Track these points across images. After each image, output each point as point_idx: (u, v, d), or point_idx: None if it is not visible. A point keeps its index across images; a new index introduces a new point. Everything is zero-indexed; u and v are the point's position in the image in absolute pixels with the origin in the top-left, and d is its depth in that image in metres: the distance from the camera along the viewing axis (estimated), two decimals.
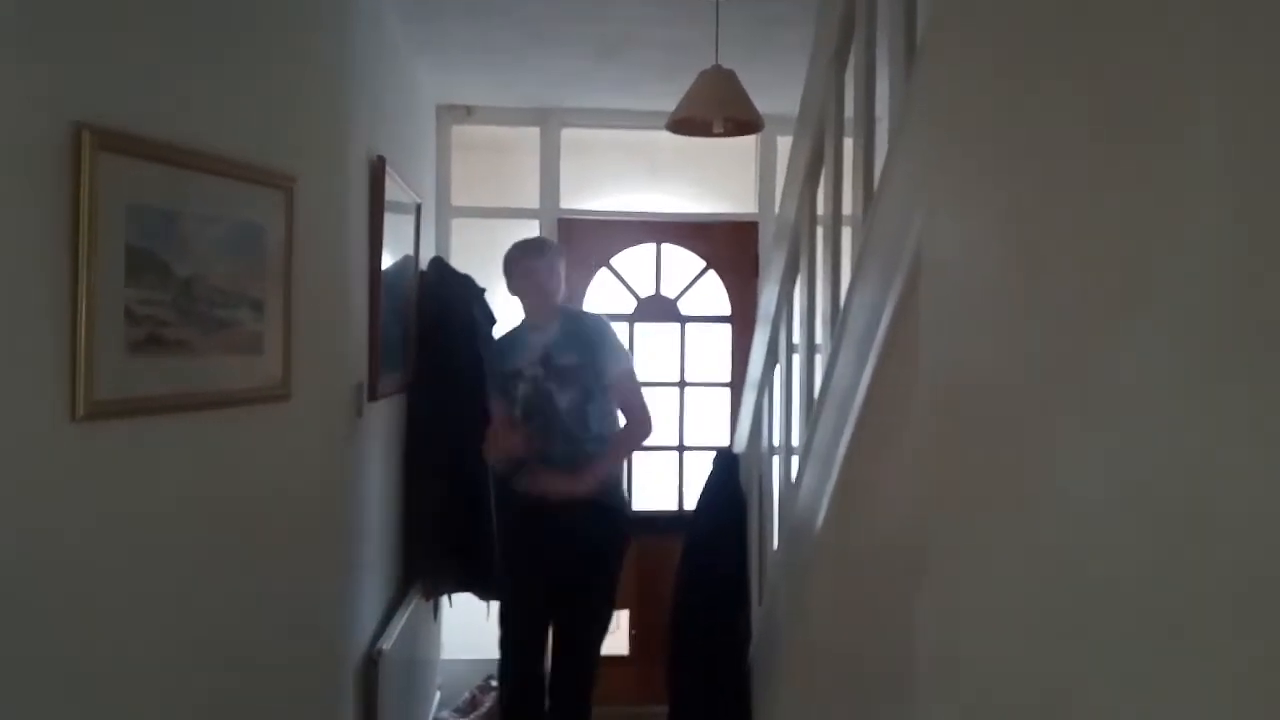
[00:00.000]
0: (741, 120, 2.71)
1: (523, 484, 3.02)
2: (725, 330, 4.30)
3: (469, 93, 4.05)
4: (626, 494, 3.20)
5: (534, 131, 4.19)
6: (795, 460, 2.24)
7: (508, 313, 3.97)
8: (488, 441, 3.05)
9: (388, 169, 2.67)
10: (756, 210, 4.27)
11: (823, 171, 1.94)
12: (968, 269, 1.11)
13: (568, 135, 4.20)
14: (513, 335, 3.22)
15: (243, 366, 2.03)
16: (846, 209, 1.91)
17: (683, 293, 4.27)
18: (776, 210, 4.30)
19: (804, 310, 2.08)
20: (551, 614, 3.09)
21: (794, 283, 2.27)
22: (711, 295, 4.31)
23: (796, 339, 2.25)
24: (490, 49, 3.44)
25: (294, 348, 2.15)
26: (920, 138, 1.43)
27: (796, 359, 2.26)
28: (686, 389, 4.25)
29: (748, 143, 4.30)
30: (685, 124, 2.80)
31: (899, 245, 1.48)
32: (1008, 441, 0.96)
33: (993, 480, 0.98)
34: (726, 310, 4.29)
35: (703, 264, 4.29)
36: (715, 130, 2.73)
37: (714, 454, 2.89)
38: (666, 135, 4.47)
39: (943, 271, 1.18)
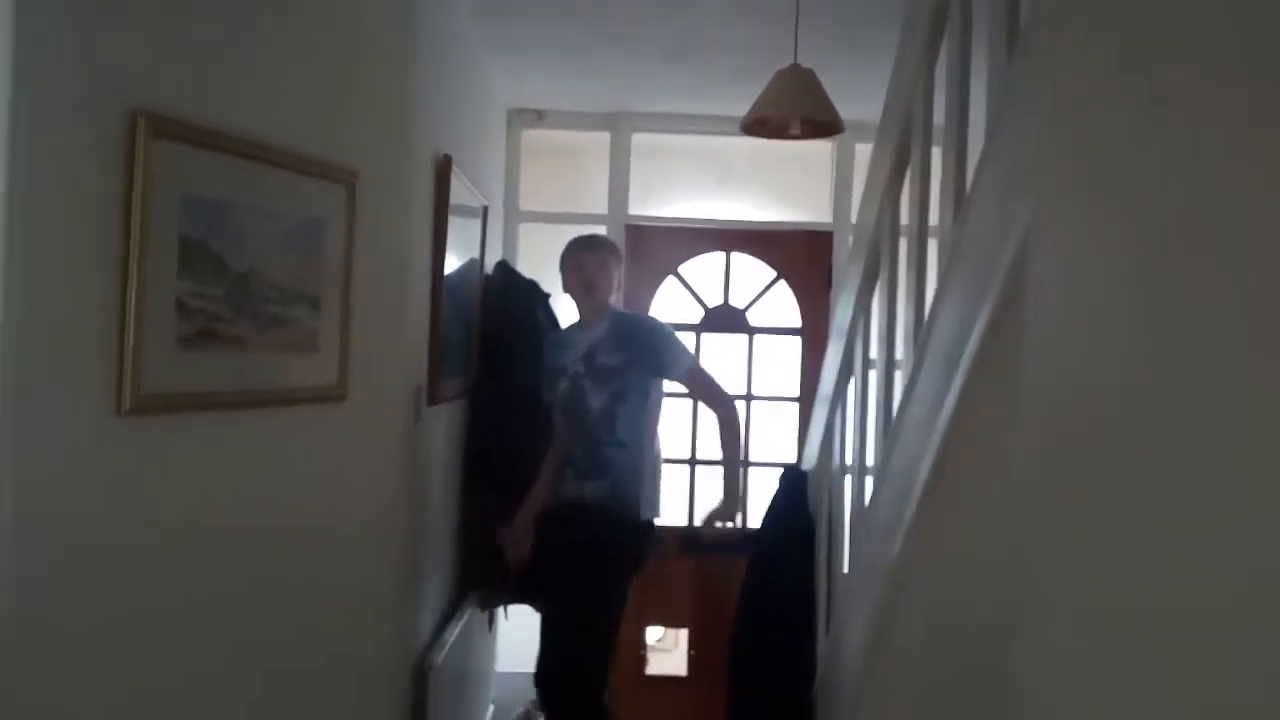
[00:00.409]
0: (820, 122, 2.58)
1: (562, 485, 2.93)
2: (795, 343, 4.16)
3: (540, 96, 4.00)
4: (640, 503, 2.92)
5: (604, 136, 4.11)
6: (869, 480, 2.11)
7: (572, 318, 3.91)
8: (510, 528, 2.99)
9: (454, 168, 2.61)
10: (831, 220, 4.12)
11: (908, 176, 1.80)
12: (1086, 280, 0.98)
13: (638, 140, 4.12)
14: (565, 333, 3.16)
15: (298, 365, 1.98)
16: (933, 218, 1.78)
17: (752, 303, 4.15)
18: (853, 220, 4.18)
19: (883, 323, 1.95)
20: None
21: (872, 295, 2.14)
22: (781, 307, 4.17)
23: (874, 353, 2.11)
24: (559, 47, 3.38)
25: (351, 348, 2.09)
26: (1022, 140, 1.30)
27: (873, 374, 2.13)
28: (754, 403, 4.12)
29: (823, 150, 4.17)
30: (760, 125, 2.69)
31: (993, 257, 1.35)
32: (1134, 467, 0.83)
33: (1119, 509, 0.85)
34: (797, 323, 4.15)
35: (773, 274, 4.16)
36: (792, 132, 2.61)
37: (781, 470, 2.76)
38: (739, 142, 4.38)
39: (1054, 284, 1.05)
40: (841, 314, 2.27)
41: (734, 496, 2.82)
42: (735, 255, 4.17)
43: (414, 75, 2.33)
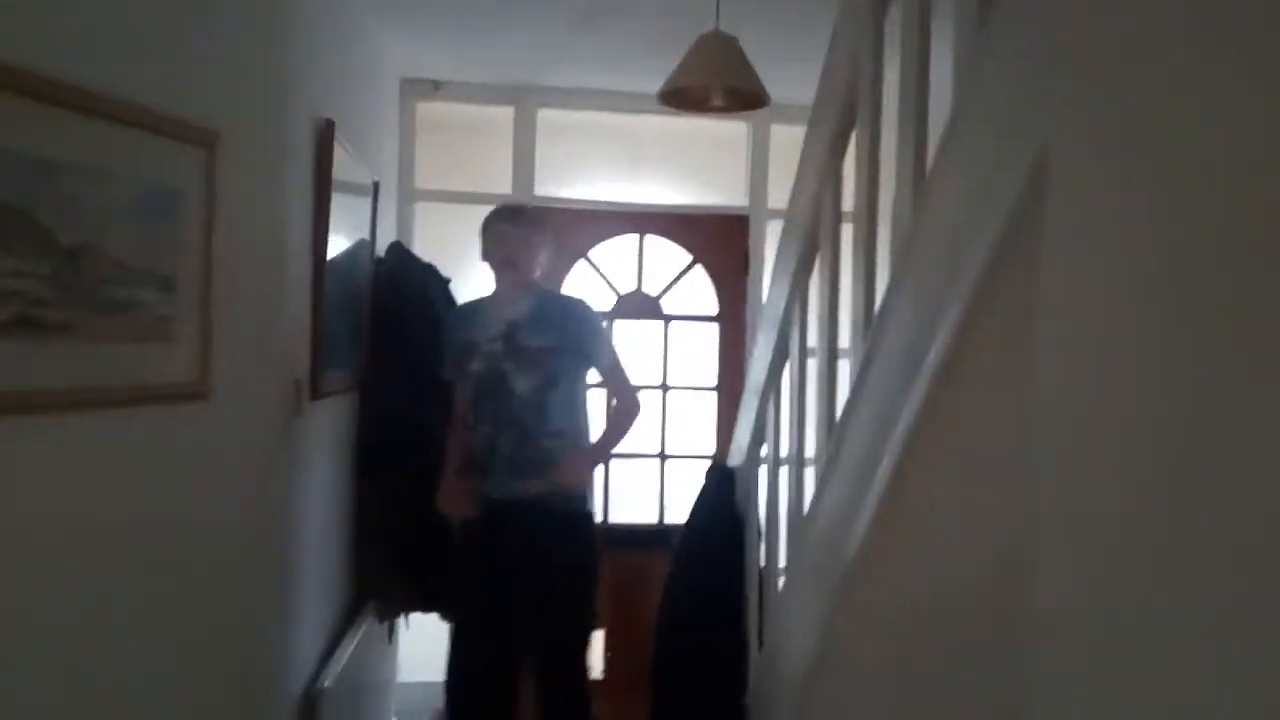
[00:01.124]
0: (744, 92, 2.39)
1: (479, 483, 2.66)
2: (712, 330, 3.98)
3: (437, 66, 3.71)
4: (592, 501, 2.81)
5: (507, 112, 3.85)
6: (810, 478, 1.93)
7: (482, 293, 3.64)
8: (441, 493, 2.71)
9: (337, 136, 2.32)
10: (747, 203, 3.96)
11: (853, 145, 1.62)
12: (1115, 294, 0.80)
13: (544, 117, 3.87)
14: (474, 305, 2.86)
15: (148, 357, 1.68)
16: (883, 199, 1.60)
17: (666, 289, 3.96)
18: (770, 204, 4.04)
19: (824, 311, 1.76)
20: (517, 642, 2.71)
21: (808, 280, 1.96)
22: (697, 293, 3.99)
23: (812, 342, 1.94)
24: (459, 13, 3.10)
25: (215, 337, 1.80)
26: (1007, 113, 1.12)
27: (810, 364, 1.95)
28: (669, 392, 3.92)
29: (738, 130, 3.99)
30: (679, 96, 2.48)
31: (963, 246, 1.17)
32: (1167, 499, 0.66)
33: (1152, 549, 0.68)
34: (714, 309, 3.98)
35: (689, 259, 3.98)
36: (713, 104, 2.42)
37: (707, 468, 2.57)
38: (650, 121, 4.19)
39: (1076, 295, 0.87)
40: (774, 300, 2.08)
41: (569, 473, 2.62)
42: (649, 239, 3.97)
43: (287, 30, 2.05)
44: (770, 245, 3.96)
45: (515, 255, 2.68)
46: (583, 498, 2.70)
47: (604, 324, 2.88)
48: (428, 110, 3.85)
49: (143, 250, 1.64)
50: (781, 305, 2.01)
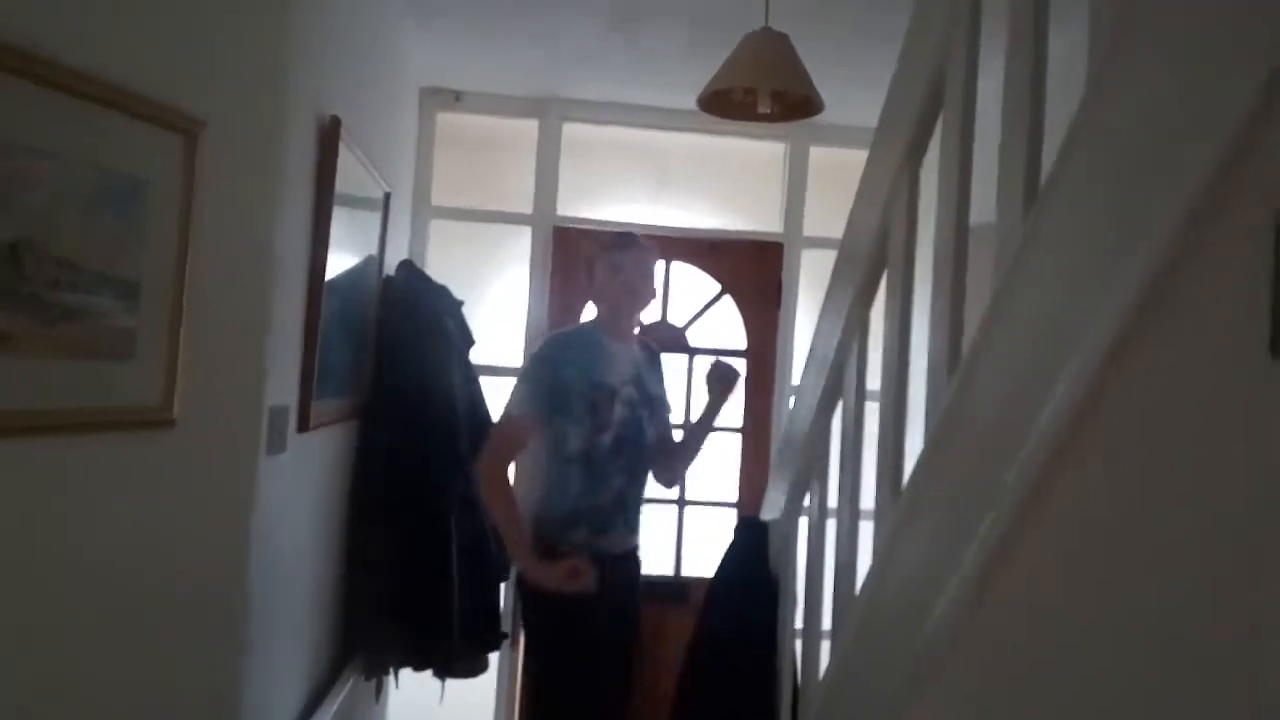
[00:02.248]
0: (794, 97, 2.15)
1: (589, 539, 2.50)
2: (739, 365, 3.69)
3: (459, 76, 3.49)
4: None
5: (530, 126, 3.62)
6: (864, 535, 1.66)
7: (489, 335, 3.40)
8: (539, 569, 2.43)
9: (344, 137, 2.08)
10: (782, 229, 3.70)
11: (942, 143, 1.36)
12: None
13: (569, 134, 3.64)
14: (588, 339, 2.56)
15: (101, 376, 1.43)
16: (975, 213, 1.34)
17: (693, 320, 3.69)
18: (804, 230, 3.79)
19: (891, 348, 1.50)
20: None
21: (868, 312, 1.69)
22: (726, 324, 3.73)
23: (872, 384, 1.67)
24: (483, 16, 2.89)
25: (185, 355, 1.55)
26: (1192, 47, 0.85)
27: (870, 408, 1.68)
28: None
29: (773, 152, 3.76)
30: (721, 101, 2.24)
31: (1106, 262, 0.91)
32: None
33: None
34: (742, 343, 3.71)
35: (717, 288, 3.72)
36: (760, 109, 2.17)
37: (736, 522, 2.29)
38: (680, 140, 3.94)
39: None
40: (825, 336, 1.81)
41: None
42: (675, 265, 3.71)
43: (292, 13, 1.81)
44: (806, 275, 3.71)
45: (638, 287, 2.56)
46: None
47: None
48: (447, 123, 3.62)
49: (100, 250, 1.39)
50: (835, 342, 1.74)
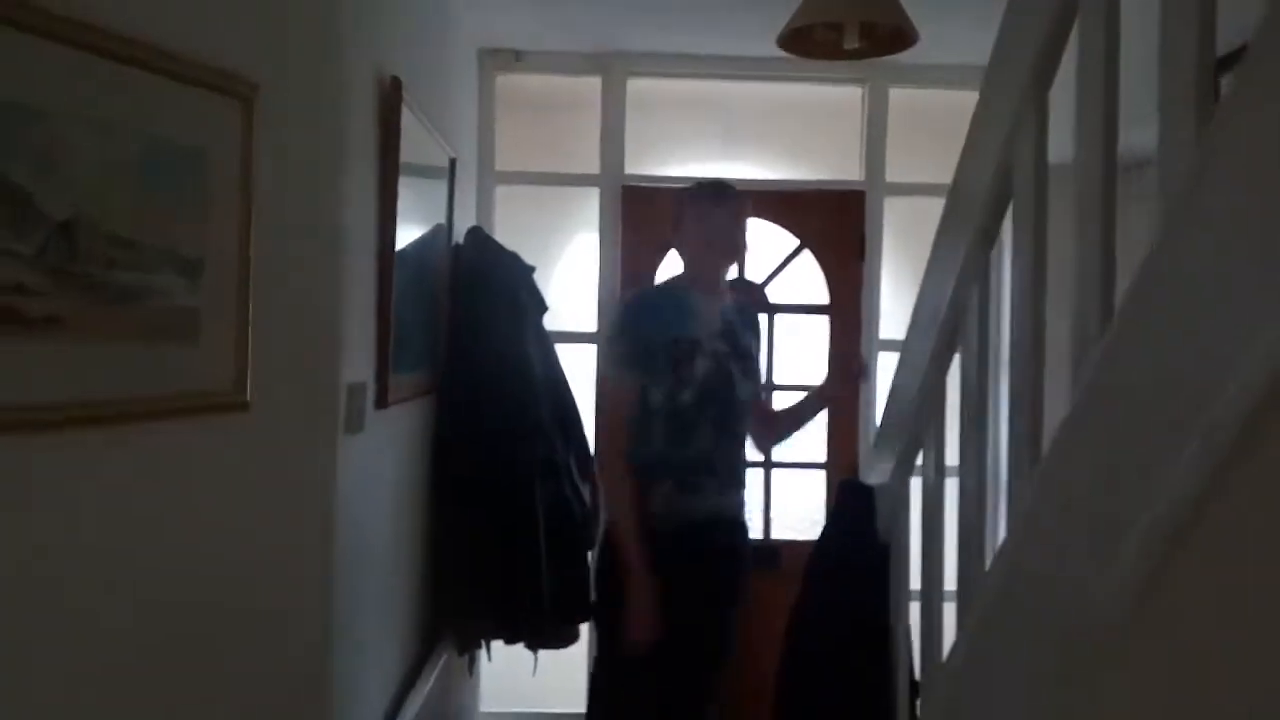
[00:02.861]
0: (885, 29, 1.97)
1: (678, 498, 2.39)
2: (822, 323, 3.55)
3: (516, 34, 3.36)
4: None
5: (594, 83, 3.48)
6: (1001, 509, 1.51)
7: (562, 301, 3.29)
8: (632, 589, 2.32)
9: (405, 99, 1.98)
10: (862, 177, 3.51)
11: (1082, 56, 1.18)
12: None
13: (633, 90, 3.49)
14: (673, 294, 2.47)
15: (166, 360, 1.35)
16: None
17: (771, 277, 3.53)
18: (886, 176, 3.59)
19: (1025, 293, 1.33)
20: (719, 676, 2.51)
21: (987, 258, 1.53)
22: (806, 280, 3.56)
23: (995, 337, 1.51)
24: None
25: (255, 334, 1.47)
26: None
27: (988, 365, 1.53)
28: (774, 393, 3.50)
29: (848, 97, 3.55)
30: (803, 39, 2.07)
31: None
32: None
33: None
34: (824, 298, 3.54)
35: (795, 243, 3.55)
36: (847, 45, 2.00)
37: (839, 483, 2.15)
38: (749, 91, 3.77)
39: None
40: (936, 286, 1.65)
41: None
42: (751, 220, 3.53)
43: None
44: (891, 224, 3.52)
45: (727, 238, 2.43)
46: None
47: None
48: (507, 85, 3.50)
49: (155, 225, 1.31)
50: (948, 290, 1.59)
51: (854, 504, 2.08)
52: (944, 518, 1.73)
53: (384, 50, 1.96)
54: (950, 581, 1.66)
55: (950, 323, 1.61)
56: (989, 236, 1.50)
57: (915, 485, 1.91)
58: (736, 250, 2.47)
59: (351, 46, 1.72)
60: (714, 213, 2.40)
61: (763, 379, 2.61)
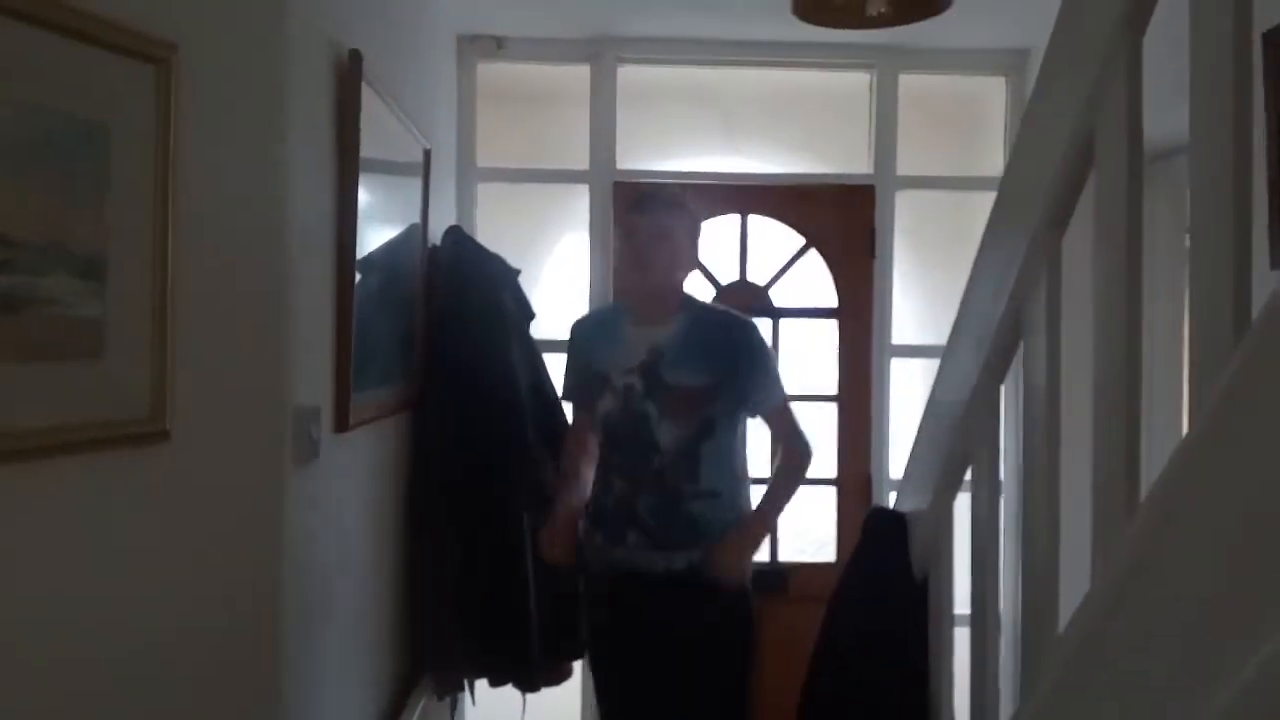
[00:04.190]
0: None
1: (607, 548, 2.17)
2: (829, 327, 3.30)
3: (499, 20, 3.11)
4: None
5: (582, 72, 3.23)
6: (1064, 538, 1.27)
7: (549, 306, 3.04)
8: (544, 538, 2.23)
9: (367, 74, 1.72)
10: (871, 170, 3.27)
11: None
12: None
13: (625, 78, 3.24)
14: (604, 318, 2.35)
15: (62, 383, 1.09)
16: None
17: (776, 278, 3.29)
18: (898, 169, 3.35)
19: (1117, 288, 1.09)
20: None
21: (1059, 244, 1.28)
22: (813, 281, 3.32)
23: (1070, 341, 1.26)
24: None
25: (177, 350, 1.21)
26: None
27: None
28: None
29: (856, 84, 3.31)
30: (820, 6, 1.83)
31: None
32: None
33: None
34: (832, 300, 3.30)
35: (801, 241, 3.31)
36: (870, 11, 1.75)
37: (867, 515, 1.90)
38: (750, 78, 3.50)
39: None
40: (987, 280, 1.41)
41: (745, 546, 2.15)
42: (753, 219, 3.30)
43: None
44: (903, 220, 3.28)
45: (648, 252, 2.10)
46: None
47: (772, 353, 2.31)
48: (489, 74, 3.25)
49: (41, 217, 1.05)
50: (1006, 285, 1.34)
51: (883, 535, 1.83)
52: (999, 550, 1.48)
53: (340, 18, 1.70)
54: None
55: (1009, 323, 1.36)
56: (1059, 220, 1.25)
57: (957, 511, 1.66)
58: (650, 267, 2.10)
59: (298, 11, 1.47)
60: (633, 225, 2.15)
61: (766, 403, 2.22)
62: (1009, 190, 1.35)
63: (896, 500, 1.88)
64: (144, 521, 1.18)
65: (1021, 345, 1.36)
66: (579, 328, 2.34)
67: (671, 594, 2.10)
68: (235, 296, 1.33)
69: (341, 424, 1.65)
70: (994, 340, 1.40)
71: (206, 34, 1.27)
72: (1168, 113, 1.21)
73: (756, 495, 2.26)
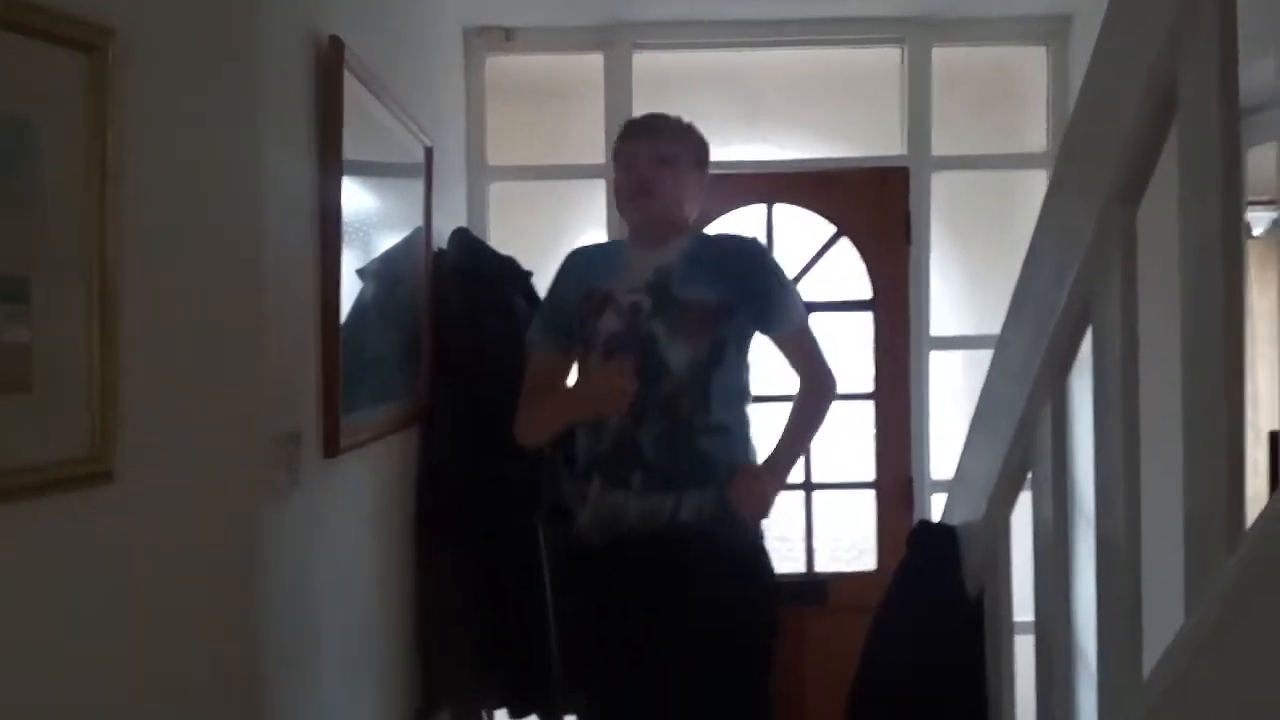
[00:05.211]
0: None
1: (606, 499, 1.89)
2: (864, 320, 3.12)
3: (507, 9, 2.96)
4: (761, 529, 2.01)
5: (595, 61, 3.08)
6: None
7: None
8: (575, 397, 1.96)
9: (350, 63, 1.57)
10: (905, 151, 3.08)
11: None
12: None
13: (640, 64, 3.08)
14: (603, 247, 2.22)
15: None
16: None
17: (806, 269, 3.11)
18: (933, 149, 3.16)
19: (1212, 261, 0.91)
20: None
21: (1133, 216, 1.10)
22: (845, 271, 3.14)
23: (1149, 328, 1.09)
24: None
25: (125, 378, 1.06)
26: None
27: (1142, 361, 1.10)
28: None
29: (885, 60, 3.12)
30: None
31: None
32: None
33: None
34: (867, 292, 3.11)
35: (831, 230, 3.12)
36: None
37: (912, 530, 1.72)
38: (772, 59, 3.31)
39: None
40: (1046, 262, 1.23)
41: (758, 491, 1.88)
42: (779, 208, 3.13)
43: None
44: (939, 203, 3.09)
45: (649, 179, 1.90)
46: (750, 525, 1.94)
47: (784, 271, 2.09)
48: (498, 68, 3.10)
49: None
50: (1072, 266, 1.16)
51: (932, 550, 1.65)
52: (1070, 570, 1.30)
53: (318, 2, 1.55)
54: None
55: (1075, 309, 1.18)
56: (1133, 187, 1.07)
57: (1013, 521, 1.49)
58: (653, 196, 1.91)
59: None
60: (625, 152, 1.97)
61: (785, 323, 1.98)
62: (1070, 156, 1.17)
63: (945, 509, 1.70)
64: (83, 578, 1.04)
65: (1090, 334, 1.18)
66: (569, 260, 2.07)
67: (678, 552, 1.84)
68: (199, 313, 1.19)
69: (331, 448, 1.51)
70: (1057, 329, 1.22)
71: (152, 18, 1.12)
72: (1248, 66, 1.03)
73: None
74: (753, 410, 2.00)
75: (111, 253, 1.05)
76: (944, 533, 1.66)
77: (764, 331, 1.98)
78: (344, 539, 1.66)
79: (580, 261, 2.05)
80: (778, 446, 2.00)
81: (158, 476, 1.10)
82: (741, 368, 1.96)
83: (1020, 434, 1.36)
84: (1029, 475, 1.39)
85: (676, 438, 1.85)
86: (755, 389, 2.01)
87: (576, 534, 1.96)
